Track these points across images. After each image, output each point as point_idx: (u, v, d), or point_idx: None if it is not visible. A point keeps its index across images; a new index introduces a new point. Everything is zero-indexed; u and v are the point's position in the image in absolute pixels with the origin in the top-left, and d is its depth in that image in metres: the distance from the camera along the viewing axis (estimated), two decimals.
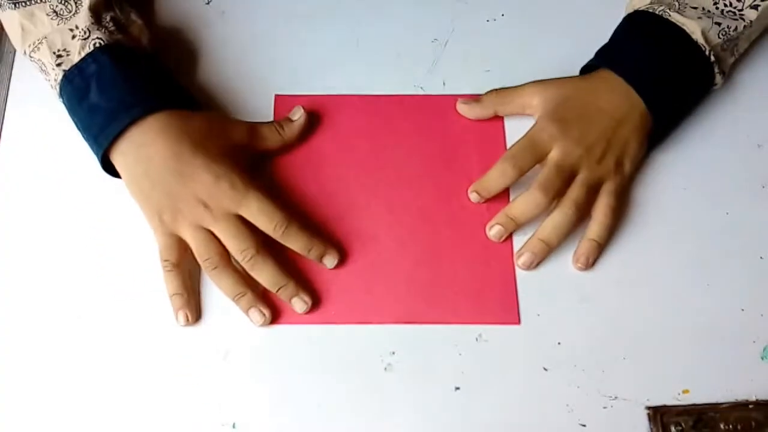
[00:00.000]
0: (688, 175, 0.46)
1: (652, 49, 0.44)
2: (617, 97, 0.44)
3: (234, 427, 0.42)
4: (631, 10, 0.47)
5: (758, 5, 0.45)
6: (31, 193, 0.48)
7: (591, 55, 0.49)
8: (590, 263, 0.43)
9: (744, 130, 0.47)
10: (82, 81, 0.43)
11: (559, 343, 0.43)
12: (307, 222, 0.44)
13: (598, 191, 0.43)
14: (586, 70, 0.47)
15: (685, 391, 0.41)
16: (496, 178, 0.43)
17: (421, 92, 0.49)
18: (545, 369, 0.42)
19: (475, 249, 0.44)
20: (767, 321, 0.43)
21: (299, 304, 0.43)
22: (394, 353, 0.43)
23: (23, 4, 0.44)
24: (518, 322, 0.43)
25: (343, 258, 0.44)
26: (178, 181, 0.42)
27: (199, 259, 0.43)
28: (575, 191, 0.42)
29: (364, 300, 0.44)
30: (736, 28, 0.44)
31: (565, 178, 0.43)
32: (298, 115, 0.46)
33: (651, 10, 0.45)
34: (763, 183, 0.45)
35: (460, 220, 0.45)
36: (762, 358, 0.42)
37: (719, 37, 0.44)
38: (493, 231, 0.44)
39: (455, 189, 0.46)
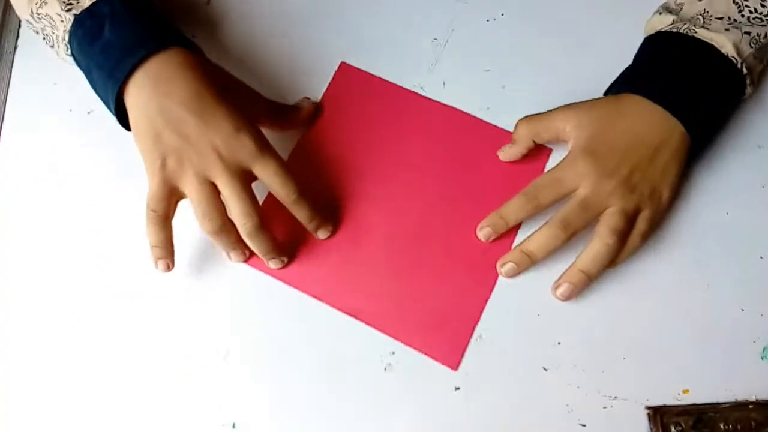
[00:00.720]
0: (688, 175, 0.46)
1: (683, 69, 0.43)
2: (654, 122, 0.42)
3: (234, 427, 0.42)
4: (652, 32, 0.45)
5: None
6: (30, 193, 0.48)
7: (591, 53, 0.49)
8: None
9: (744, 131, 0.46)
10: (94, 22, 0.41)
11: (559, 343, 0.43)
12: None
13: (635, 219, 0.42)
14: (610, 91, 0.46)
15: (685, 391, 0.41)
16: (514, 210, 0.42)
17: (421, 92, 0.49)
18: (545, 369, 0.42)
19: (458, 279, 0.44)
20: (767, 321, 0.42)
21: (275, 263, 0.44)
22: (394, 353, 0.43)
23: None
24: (455, 368, 0.42)
25: (336, 234, 0.45)
26: (196, 123, 0.40)
27: (199, 217, 0.41)
28: (614, 219, 0.41)
29: (339, 283, 0.44)
30: (765, 34, 0.43)
31: (590, 215, 0.41)
32: (303, 101, 0.47)
33: (675, 30, 0.44)
34: (763, 183, 0.45)
35: (459, 245, 0.44)
36: (762, 358, 0.42)
37: (751, 46, 0.42)
38: (506, 268, 0.43)
39: (471, 216, 0.45)
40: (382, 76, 0.49)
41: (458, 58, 0.50)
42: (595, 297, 0.43)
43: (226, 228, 0.41)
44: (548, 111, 0.44)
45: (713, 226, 0.45)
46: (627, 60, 0.46)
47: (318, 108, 0.48)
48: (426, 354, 0.42)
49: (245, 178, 0.41)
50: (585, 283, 0.42)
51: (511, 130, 0.47)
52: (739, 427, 0.40)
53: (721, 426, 0.40)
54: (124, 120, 0.42)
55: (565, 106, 0.44)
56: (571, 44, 0.50)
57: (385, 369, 0.43)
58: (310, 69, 0.50)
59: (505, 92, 0.49)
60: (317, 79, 0.49)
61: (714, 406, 0.41)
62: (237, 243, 0.43)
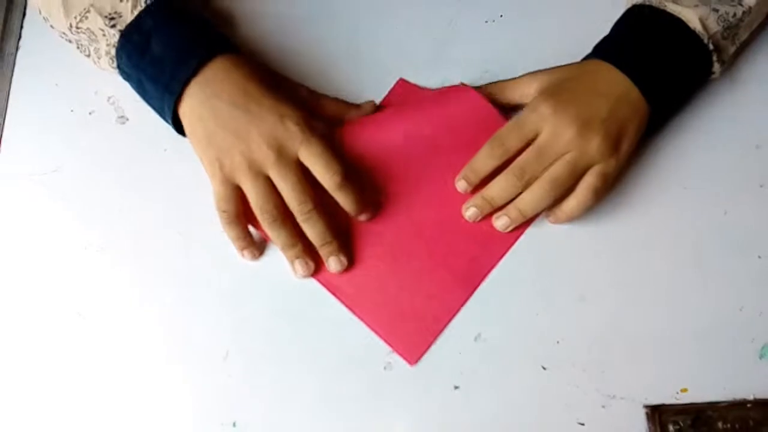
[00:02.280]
0: (687, 174, 0.46)
1: (647, 39, 0.44)
2: (614, 82, 0.43)
3: (234, 426, 0.42)
4: (629, 5, 0.47)
5: None
6: (32, 194, 0.48)
7: None
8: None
9: (743, 131, 0.46)
10: (141, 36, 0.43)
11: (557, 342, 0.43)
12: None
13: (584, 173, 0.42)
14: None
15: (684, 390, 0.41)
16: (482, 159, 0.43)
17: None
18: (544, 368, 0.42)
19: (440, 280, 0.44)
20: (766, 320, 0.43)
21: (335, 263, 0.44)
22: (393, 352, 0.43)
23: None
24: (414, 363, 0.43)
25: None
26: (245, 119, 0.41)
27: (256, 211, 0.42)
28: (557, 169, 0.42)
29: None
30: (734, 14, 0.44)
31: (545, 162, 0.42)
32: (368, 108, 0.47)
33: (648, 2, 0.45)
34: (761, 182, 0.46)
35: (447, 248, 0.45)
36: (760, 357, 0.42)
37: (718, 24, 0.43)
38: (469, 212, 0.44)
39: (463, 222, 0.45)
40: (382, 79, 0.49)
41: (457, 59, 0.50)
42: (594, 296, 0.43)
43: (281, 221, 0.42)
44: (514, 79, 0.46)
45: (711, 226, 0.45)
46: None
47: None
48: (387, 343, 0.43)
49: (296, 166, 0.42)
50: (520, 221, 0.43)
51: None
52: (737, 426, 0.40)
53: (720, 425, 0.40)
54: (178, 128, 0.44)
55: (530, 73, 0.46)
56: (571, 46, 0.50)
57: (385, 368, 0.43)
58: (308, 69, 0.50)
59: None
60: (315, 82, 0.49)
61: (712, 405, 0.41)
62: (294, 240, 0.43)
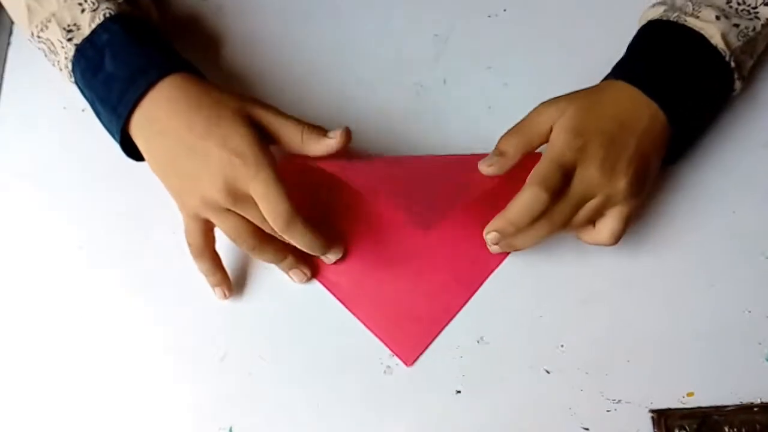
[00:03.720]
0: (693, 174, 0.45)
1: (669, 57, 0.42)
2: (636, 108, 0.41)
3: (231, 430, 0.41)
4: (644, 22, 0.45)
5: None
6: (25, 191, 0.47)
7: (593, 50, 0.48)
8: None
9: (750, 130, 0.46)
10: (95, 53, 0.41)
11: (561, 346, 0.42)
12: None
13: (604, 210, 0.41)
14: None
15: (690, 394, 0.41)
16: (526, 206, 0.38)
17: (421, 89, 0.48)
18: (547, 372, 0.42)
19: (441, 282, 0.44)
20: None
21: (298, 275, 0.43)
22: (393, 356, 0.42)
23: None
24: (409, 364, 0.42)
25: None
26: (193, 160, 0.39)
27: (233, 241, 0.41)
28: (571, 204, 0.39)
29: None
30: (754, 28, 0.42)
31: (581, 206, 0.40)
32: (336, 136, 0.42)
33: (665, 18, 0.43)
34: None
35: (449, 252, 0.44)
36: (767, 360, 0.41)
37: (738, 39, 0.42)
38: (490, 236, 0.40)
39: (465, 225, 0.44)
40: (382, 75, 0.49)
41: (459, 55, 0.50)
42: (598, 299, 0.43)
43: (260, 246, 0.41)
44: (525, 117, 0.42)
45: (718, 226, 0.44)
46: None
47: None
48: (384, 343, 0.42)
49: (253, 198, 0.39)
50: (510, 251, 0.42)
51: None
52: (744, 430, 0.40)
53: (726, 429, 0.40)
54: (131, 151, 0.42)
55: (541, 105, 0.42)
56: (574, 41, 0.49)
57: (385, 372, 0.42)
58: (308, 65, 0.49)
59: (507, 90, 0.48)
60: (314, 78, 0.49)
61: (719, 409, 0.40)
62: (281, 255, 0.42)
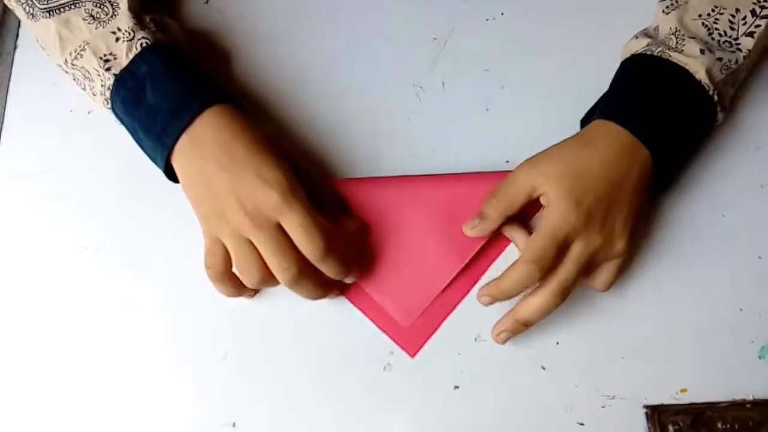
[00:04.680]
0: (687, 176, 0.46)
1: (655, 95, 0.41)
2: (626, 159, 0.40)
3: (234, 426, 0.42)
4: (627, 55, 0.44)
5: (753, 32, 0.43)
6: (31, 194, 0.48)
7: (590, 53, 0.49)
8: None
9: (742, 133, 0.46)
10: (136, 83, 0.42)
11: (557, 343, 0.43)
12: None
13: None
14: (589, 116, 0.45)
15: (683, 391, 0.41)
16: (519, 281, 0.39)
17: (420, 92, 0.49)
18: (543, 368, 0.42)
19: (441, 273, 0.44)
20: (765, 321, 0.43)
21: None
22: (392, 353, 0.43)
23: (57, 11, 0.43)
24: (413, 356, 0.43)
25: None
26: (226, 181, 0.40)
27: (238, 273, 0.41)
28: (573, 274, 0.39)
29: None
30: (736, 60, 0.42)
31: (582, 274, 0.40)
32: (348, 279, 0.43)
33: (649, 53, 0.43)
34: (761, 183, 0.45)
35: (454, 239, 0.44)
36: (760, 358, 0.42)
37: (722, 73, 0.42)
38: (501, 337, 0.41)
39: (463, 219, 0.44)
40: (381, 78, 0.49)
41: (458, 57, 0.50)
42: (594, 297, 0.43)
43: (266, 281, 0.40)
44: (508, 177, 0.42)
45: (712, 226, 0.45)
46: None
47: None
48: (389, 336, 0.43)
49: (275, 232, 0.39)
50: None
51: (510, 130, 0.47)
52: (736, 426, 0.40)
53: (719, 425, 0.40)
54: (171, 174, 0.43)
55: (524, 165, 0.41)
56: (572, 43, 0.50)
57: (384, 368, 0.43)
58: (307, 68, 0.50)
59: (505, 92, 0.49)
60: (313, 80, 0.49)
61: (712, 406, 0.41)
62: (274, 284, 0.42)
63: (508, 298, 0.40)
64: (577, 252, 0.39)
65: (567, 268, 0.39)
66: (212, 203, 0.40)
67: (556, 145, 0.42)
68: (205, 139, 0.41)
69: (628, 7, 0.49)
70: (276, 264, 0.39)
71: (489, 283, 0.41)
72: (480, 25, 0.51)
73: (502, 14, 0.51)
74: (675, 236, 0.45)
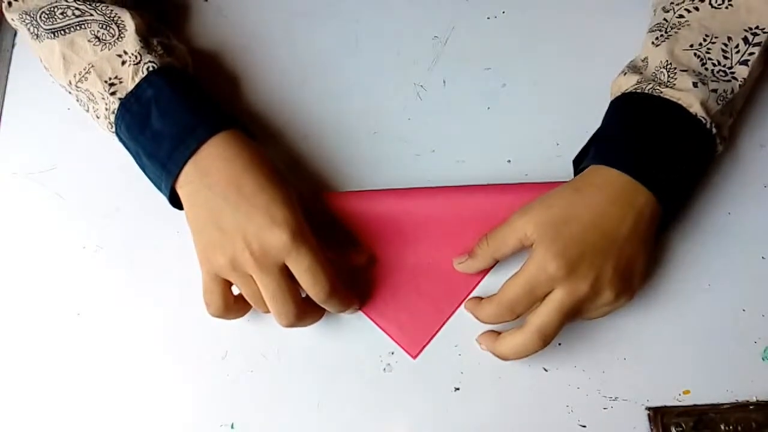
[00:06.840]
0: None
1: (651, 135, 0.40)
2: (619, 207, 0.39)
3: (233, 427, 0.42)
4: (618, 93, 0.43)
5: (747, 60, 0.42)
6: (29, 192, 0.48)
7: (591, 51, 0.49)
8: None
9: (746, 130, 0.46)
10: (141, 107, 0.41)
11: (559, 344, 0.42)
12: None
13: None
14: (581, 155, 0.44)
15: (686, 392, 0.41)
16: (492, 318, 0.40)
17: (421, 91, 0.49)
18: (545, 369, 0.42)
19: (442, 274, 0.44)
20: None
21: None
22: (393, 353, 0.43)
23: (62, 32, 0.42)
24: (415, 357, 0.43)
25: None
26: (234, 219, 0.38)
27: (249, 302, 0.41)
28: (556, 319, 0.38)
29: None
30: (732, 90, 0.41)
31: (568, 319, 0.39)
32: (350, 309, 0.43)
33: (640, 90, 0.41)
34: (765, 182, 0.45)
35: (450, 243, 0.44)
36: (763, 359, 0.42)
37: (718, 104, 0.40)
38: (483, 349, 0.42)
39: (468, 224, 0.44)
40: (382, 76, 0.49)
41: (459, 56, 0.50)
42: None
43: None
44: (505, 224, 0.41)
45: (715, 226, 0.44)
46: (627, 57, 0.45)
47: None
48: (391, 336, 0.43)
49: (279, 274, 0.38)
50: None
51: (512, 128, 0.47)
52: (739, 428, 0.40)
53: (722, 427, 0.40)
54: (175, 201, 0.42)
55: (522, 209, 0.40)
56: (573, 42, 0.49)
57: (384, 369, 0.43)
58: (308, 66, 0.50)
59: (506, 91, 0.49)
60: (314, 79, 0.49)
61: (715, 407, 0.41)
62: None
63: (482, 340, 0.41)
64: (557, 299, 0.38)
65: (548, 314, 0.38)
66: (215, 236, 0.39)
67: (550, 192, 0.41)
68: (212, 169, 0.39)
69: (630, 5, 0.49)
70: (275, 309, 0.39)
71: (473, 301, 0.42)
72: (481, 23, 0.51)
73: (503, 13, 0.51)
74: (678, 235, 0.44)
